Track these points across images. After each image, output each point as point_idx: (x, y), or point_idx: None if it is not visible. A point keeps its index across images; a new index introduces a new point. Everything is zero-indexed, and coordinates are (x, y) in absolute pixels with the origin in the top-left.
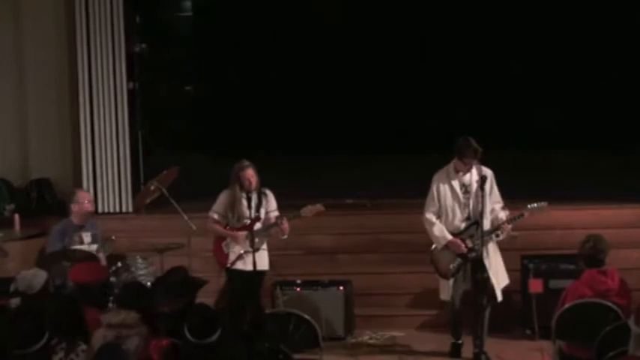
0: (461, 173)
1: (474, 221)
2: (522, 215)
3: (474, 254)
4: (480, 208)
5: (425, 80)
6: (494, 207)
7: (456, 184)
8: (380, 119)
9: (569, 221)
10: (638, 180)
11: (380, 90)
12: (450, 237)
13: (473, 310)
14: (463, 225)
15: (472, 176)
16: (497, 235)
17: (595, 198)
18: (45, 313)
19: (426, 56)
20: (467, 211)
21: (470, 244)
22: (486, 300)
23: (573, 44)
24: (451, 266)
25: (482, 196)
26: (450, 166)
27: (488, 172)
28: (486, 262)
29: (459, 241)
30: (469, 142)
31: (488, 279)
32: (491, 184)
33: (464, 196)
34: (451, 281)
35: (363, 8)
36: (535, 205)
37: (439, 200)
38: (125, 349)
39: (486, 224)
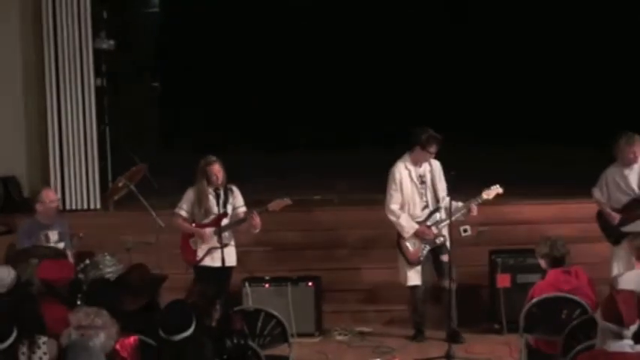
0: (418, 164)
1: (435, 209)
2: (481, 197)
3: (439, 240)
4: (436, 197)
5: (388, 75)
6: (444, 195)
7: (413, 174)
8: (344, 114)
9: (536, 216)
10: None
11: (345, 86)
12: (417, 226)
13: (441, 294)
14: (423, 213)
15: (425, 166)
16: (466, 231)
17: (561, 192)
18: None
19: (389, 53)
20: (424, 199)
21: (435, 231)
22: (450, 282)
23: (544, 38)
24: (420, 255)
25: (435, 186)
26: (407, 158)
27: (436, 162)
28: (448, 245)
29: (427, 229)
30: (431, 132)
31: (449, 262)
32: (439, 175)
33: (421, 186)
34: (419, 266)
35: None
36: (490, 188)
37: (402, 191)
38: (92, 345)
39: (442, 212)
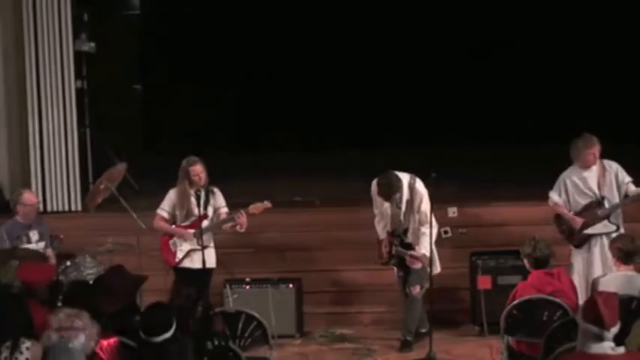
0: None
1: (399, 234)
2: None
3: (393, 262)
4: (407, 225)
5: (371, 77)
6: (421, 228)
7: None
8: (326, 115)
9: (517, 217)
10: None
11: (327, 86)
12: (383, 236)
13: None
14: (395, 228)
15: (403, 196)
16: (446, 232)
17: (542, 194)
18: None
19: (374, 53)
20: (398, 219)
21: (393, 251)
22: (415, 290)
23: (531, 38)
24: (380, 260)
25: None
26: None
27: (420, 192)
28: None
29: (385, 244)
30: (385, 182)
31: (422, 270)
32: (419, 203)
33: (396, 207)
34: (395, 270)
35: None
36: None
37: (374, 200)
38: (72, 347)
39: (410, 238)
